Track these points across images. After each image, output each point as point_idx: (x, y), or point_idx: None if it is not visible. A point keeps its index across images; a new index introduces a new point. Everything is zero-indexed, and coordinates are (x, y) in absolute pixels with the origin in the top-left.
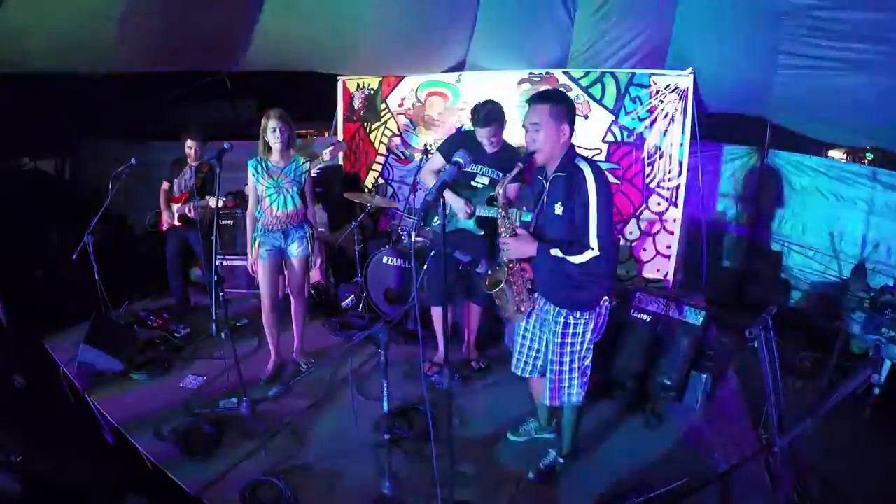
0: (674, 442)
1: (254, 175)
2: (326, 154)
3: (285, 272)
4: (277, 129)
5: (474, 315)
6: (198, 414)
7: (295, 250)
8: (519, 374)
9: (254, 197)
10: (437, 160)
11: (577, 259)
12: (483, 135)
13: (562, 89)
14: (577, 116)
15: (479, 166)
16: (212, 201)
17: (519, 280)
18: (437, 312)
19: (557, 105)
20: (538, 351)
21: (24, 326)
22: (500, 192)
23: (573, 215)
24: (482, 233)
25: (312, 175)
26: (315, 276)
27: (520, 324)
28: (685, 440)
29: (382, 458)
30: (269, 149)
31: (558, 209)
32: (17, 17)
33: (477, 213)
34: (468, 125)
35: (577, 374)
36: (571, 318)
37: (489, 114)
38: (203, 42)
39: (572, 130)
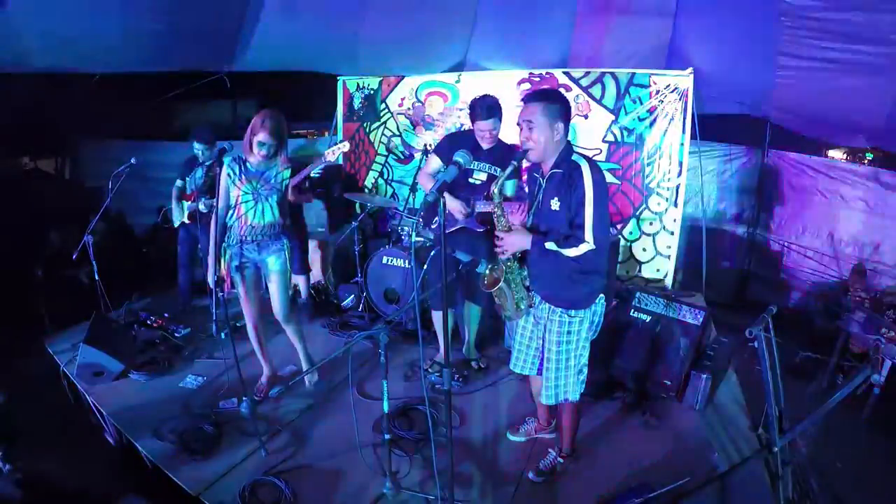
0: (674, 442)
1: (229, 175)
2: (329, 154)
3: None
4: (266, 146)
5: (474, 315)
6: (198, 414)
7: (272, 264)
8: (518, 371)
9: (225, 201)
10: (434, 162)
11: (572, 252)
12: (484, 128)
13: (561, 89)
14: (577, 116)
15: (476, 163)
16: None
17: (517, 278)
18: (437, 312)
19: (550, 103)
20: (536, 349)
21: (24, 326)
22: (496, 190)
23: (570, 211)
24: (482, 229)
25: (313, 175)
26: (315, 275)
27: (518, 321)
28: (685, 440)
29: (382, 458)
30: (250, 149)
31: (555, 205)
32: (17, 16)
33: (477, 210)
34: (468, 125)
35: (573, 373)
36: (566, 316)
37: (491, 107)
38: (203, 42)
39: (567, 128)
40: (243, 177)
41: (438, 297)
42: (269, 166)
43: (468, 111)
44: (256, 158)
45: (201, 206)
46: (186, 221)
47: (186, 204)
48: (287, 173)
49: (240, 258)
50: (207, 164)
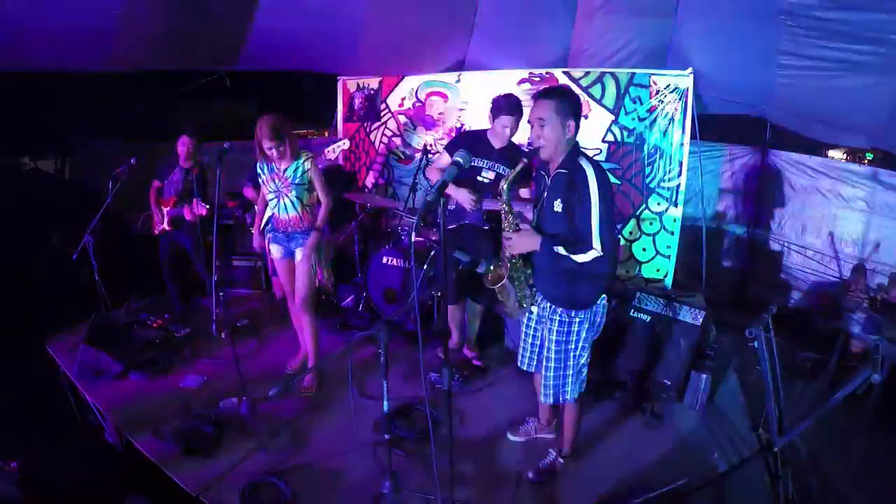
0: (674, 442)
1: (260, 176)
2: (330, 152)
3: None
4: (274, 150)
5: (475, 314)
6: (198, 414)
7: (298, 255)
8: (525, 368)
9: (263, 197)
10: (445, 158)
11: (580, 258)
12: (506, 124)
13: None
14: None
15: (486, 161)
16: (199, 208)
17: (521, 276)
18: (450, 306)
19: (563, 101)
20: (541, 347)
21: (24, 326)
22: (504, 187)
23: (572, 214)
24: (487, 227)
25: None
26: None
27: (523, 319)
28: (685, 440)
29: (382, 458)
30: (264, 154)
31: (557, 206)
32: (17, 15)
33: (484, 207)
34: (468, 125)
35: (571, 373)
36: (567, 315)
37: (515, 104)
38: (203, 41)
39: (577, 127)
40: (268, 177)
41: (449, 291)
42: (290, 165)
43: (490, 107)
44: (273, 160)
45: (186, 214)
46: (167, 228)
47: (164, 210)
48: (308, 164)
49: (274, 243)
50: (186, 168)
